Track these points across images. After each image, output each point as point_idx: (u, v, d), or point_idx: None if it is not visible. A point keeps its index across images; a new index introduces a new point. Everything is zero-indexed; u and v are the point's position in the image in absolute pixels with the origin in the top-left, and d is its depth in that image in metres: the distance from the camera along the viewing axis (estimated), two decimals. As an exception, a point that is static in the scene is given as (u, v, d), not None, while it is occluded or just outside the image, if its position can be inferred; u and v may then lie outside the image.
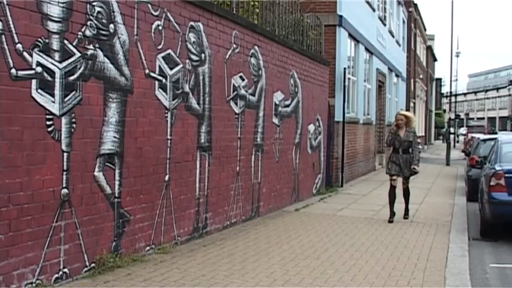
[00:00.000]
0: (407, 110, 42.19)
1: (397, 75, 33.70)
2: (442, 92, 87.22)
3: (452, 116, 58.90)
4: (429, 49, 66.02)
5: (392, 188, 12.72)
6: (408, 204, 13.03)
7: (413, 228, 11.45)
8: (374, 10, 25.21)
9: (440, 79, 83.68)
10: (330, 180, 18.07)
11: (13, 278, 6.01)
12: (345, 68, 18.86)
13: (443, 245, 9.88)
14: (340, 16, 18.74)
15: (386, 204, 14.89)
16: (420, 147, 13.82)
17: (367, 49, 23.59)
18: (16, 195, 6.01)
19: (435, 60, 77.27)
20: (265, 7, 12.92)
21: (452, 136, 54.51)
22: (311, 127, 15.99)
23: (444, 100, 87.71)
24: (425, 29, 60.61)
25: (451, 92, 56.81)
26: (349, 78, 20.14)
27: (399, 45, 35.17)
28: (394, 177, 12.64)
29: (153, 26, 8.25)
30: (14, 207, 5.99)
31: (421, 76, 55.32)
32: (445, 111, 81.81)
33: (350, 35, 20.29)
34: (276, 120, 13.08)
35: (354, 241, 9.95)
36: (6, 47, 5.84)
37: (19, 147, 6.04)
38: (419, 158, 12.69)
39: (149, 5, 8.13)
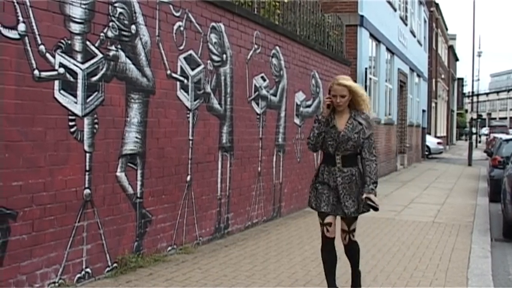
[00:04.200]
0: (428, 109, 41.72)
1: (418, 75, 33.55)
2: (464, 91, 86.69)
3: (474, 116, 58.59)
4: (451, 49, 65.67)
5: (328, 243, 6.48)
6: (358, 268, 6.87)
7: (435, 229, 11.38)
8: (395, 10, 25.12)
9: (462, 79, 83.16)
10: (351, 181, 17.94)
11: (36, 277, 6.04)
12: (366, 68, 18.82)
13: (466, 245, 9.82)
14: (362, 16, 18.70)
15: (408, 204, 14.87)
16: (376, 155, 6.43)
17: (388, 49, 23.51)
18: (39, 195, 6.05)
19: (457, 60, 76.83)
20: (287, 7, 12.90)
21: (474, 136, 54.19)
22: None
23: (466, 100, 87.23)
24: (446, 29, 60.28)
25: (473, 92, 56.62)
26: (370, 79, 20.10)
27: (420, 45, 35.02)
28: (328, 220, 6.33)
29: (175, 27, 8.26)
30: (37, 207, 6.03)
31: (442, 76, 55.03)
32: (466, 111, 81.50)
33: (371, 35, 20.24)
34: (297, 121, 13.06)
35: (376, 241, 9.91)
36: (29, 48, 5.87)
37: (42, 148, 6.07)
38: (376, 178, 6.24)
39: (171, 6, 8.14)
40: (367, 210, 6.35)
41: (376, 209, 6.26)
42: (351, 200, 6.29)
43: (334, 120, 6.31)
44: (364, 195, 6.19)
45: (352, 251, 6.76)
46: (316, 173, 6.54)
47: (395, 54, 25.12)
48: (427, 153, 38.24)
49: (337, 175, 6.29)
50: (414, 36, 31.82)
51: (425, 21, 37.97)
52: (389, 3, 23.80)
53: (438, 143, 40.70)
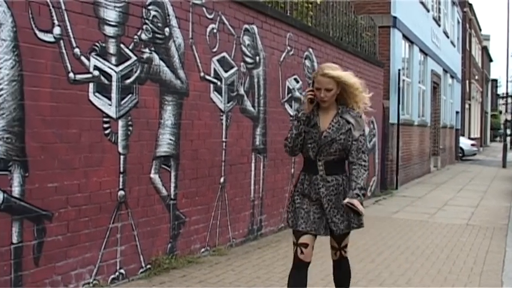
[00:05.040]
0: (462, 110, 41.42)
1: (452, 77, 33.30)
2: (498, 93, 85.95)
3: (509, 117, 57.96)
4: (484, 49, 65.11)
5: (301, 268, 5.25)
6: None
7: (469, 232, 11.28)
8: (428, 11, 24.96)
9: (496, 80, 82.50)
10: (384, 183, 17.93)
11: (71, 278, 6.10)
12: (399, 70, 18.72)
13: (500, 248, 9.73)
14: (395, 17, 18.60)
15: (441, 206, 14.77)
16: (366, 160, 5.18)
17: (421, 50, 23.37)
18: (74, 197, 6.10)
19: (491, 60, 76.15)
20: (319, 9, 12.88)
21: (508, 138, 53.69)
22: (366, 129, 15.86)
23: (500, 101, 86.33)
24: (480, 29, 59.80)
25: (507, 93, 56.00)
26: (403, 80, 19.99)
27: (454, 45, 34.75)
28: (303, 241, 5.18)
29: (208, 29, 8.29)
30: (72, 208, 6.08)
31: (476, 77, 54.60)
32: (501, 112, 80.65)
33: (404, 36, 20.12)
34: (330, 122, 12.99)
35: (409, 244, 9.86)
36: (64, 51, 5.93)
37: (77, 150, 6.12)
38: (364, 184, 5.11)
39: (204, 9, 8.17)
40: (358, 226, 5.25)
41: (358, 225, 5.23)
42: (338, 215, 5.18)
43: (317, 117, 5.20)
44: (346, 200, 4.96)
45: (343, 269, 5.68)
46: (294, 182, 5.42)
47: (429, 55, 24.96)
48: (460, 155, 37.96)
49: (320, 185, 5.15)
50: (447, 37, 31.59)
51: (458, 22, 37.69)
52: (422, 3, 23.65)
53: (472, 145, 40.37)
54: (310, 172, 5.23)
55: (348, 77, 5.16)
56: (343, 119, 5.18)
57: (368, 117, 15.74)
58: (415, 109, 22.56)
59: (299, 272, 5.27)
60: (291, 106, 10.86)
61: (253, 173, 9.59)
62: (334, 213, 5.18)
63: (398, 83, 18.57)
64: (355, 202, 4.96)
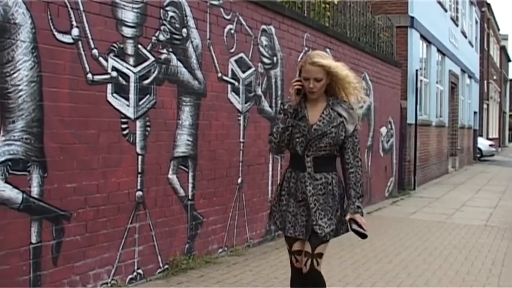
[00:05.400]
0: (480, 111, 41.22)
1: (469, 77, 33.16)
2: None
3: (528, 117, 57.67)
4: (503, 49, 64.78)
5: (299, 274, 4.89)
6: None
7: (488, 233, 11.23)
8: (446, 11, 24.88)
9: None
10: (402, 183, 17.88)
11: (89, 277, 6.12)
12: (417, 70, 18.66)
13: (519, 249, 9.70)
14: (412, 17, 18.55)
15: (459, 207, 14.71)
16: (361, 159, 4.83)
17: (439, 50, 23.30)
18: (92, 197, 6.13)
19: (509, 60, 75.70)
20: (336, 9, 12.87)
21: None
22: (383, 130, 15.86)
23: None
24: (498, 29, 59.50)
25: (526, 93, 55.68)
26: (421, 80, 19.93)
27: (472, 45, 34.60)
28: (297, 248, 4.85)
29: (226, 30, 8.30)
30: (90, 208, 6.11)
31: (494, 77, 54.34)
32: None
33: (422, 36, 20.07)
34: (347, 123, 12.97)
35: (427, 245, 9.82)
36: (82, 52, 5.96)
37: (95, 150, 6.15)
38: (362, 191, 4.79)
39: (221, 9, 8.18)
40: (345, 232, 4.83)
41: (364, 235, 4.69)
42: (326, 218, 4.67)
43: (305, 110, 4.75)
44: (348, 217, 4.67)
45: (315, 281, 4.84)
46: (280, 181, 4.98)
47: (446, 55, 24.88)
48: (478, 155, 37.81)
49: (307, 183, 4.70)
50: (465, 37, 31.46)
51: (476, 22, 37.53)
52: (440, 4, 23.58)
53: (490, 145, 40.21)
54: (297, 169, 4.78)
55: (340, 68, 4.71)
56: (335, 111, 4.72)
57: (385, 117, 15.72)
58: (433, 109, 22.50)
59: (299, 279, 4.93)
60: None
61: (270, 173, 9.59)
62: (321, 216, 4.68)
63: (416, 83, 18.52)
64: (358, 218, 4.64)
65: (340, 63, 4.79)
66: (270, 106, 9.50)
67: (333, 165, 4.81)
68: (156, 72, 6.97)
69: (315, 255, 4.76)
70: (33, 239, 5.48)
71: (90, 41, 6.05)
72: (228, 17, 8.34)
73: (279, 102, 9.72)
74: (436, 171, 22.86)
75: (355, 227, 4.63)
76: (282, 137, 4.74)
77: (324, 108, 4.74)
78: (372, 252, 9.09)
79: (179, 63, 7.38)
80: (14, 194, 5.26)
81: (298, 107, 4.73)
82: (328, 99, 4.78)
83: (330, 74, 4.68)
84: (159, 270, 7.15)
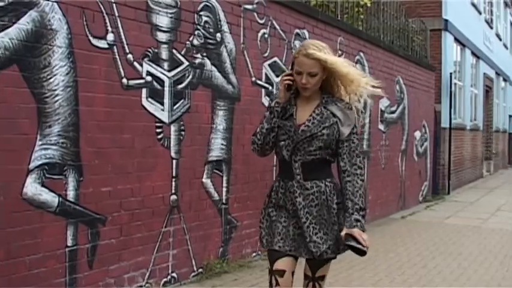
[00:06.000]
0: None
1: (505, 80, 32.85)
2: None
3: None
4: (538, 52, 64.05)
5: None
6: None
7: (524, 237, 11.14)
8: (480, 13, 24.68)
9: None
10: (436, 188, 17.77)
11: (124, 281, 6.16)
12: (451, 73, 18.54)
13: (556, 254, 9.59)
14: (446, 20, 18.43)
15: (494, 212, 14.58)
16: (361, 166, 4.04)
17: (473, 53, 23.11)
18: (127, 201, 6.17)
19: (545, 63, 74.88)
20: (370, 13, 12.83)
21: None
22: (417, 134, 15.78)
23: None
24: (534, 32, 58.83)
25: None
26: (455, 84, 19.79)
27: (506, 48, 34.27)
28: (280, 266, 4.05)
29: (259, 34, 8.31)
30: (125, 212, 6.15)
31: (530, 80, 53.72)
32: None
33: (456, 39, 19.92)
34: (382, 127, 12.96)
35: (462, 250, 9.74)
36: (117, 57, 6.00)
37: (130, 154, 6.19)
38: (363, 202, 3.98)
39: (255, 14, 8.20)
40: (355, 250, 3.90)
41: (362, 252, 3.86)
42: (321, 233, 3.98)
43: (294, 108, 4.08)
44: (344, 232, 3.89)
45: None
46: (269, 191, 4.28)
47: (481, 58, 24.67)
48: (514, 159, 37.42)
49: (296, 193, 4.01)
50: (500, 39, 31.16)
51: (511, 24, 37.16)
52: (474, 6, 23.40)
53: (525, 149, 39.75)
54: (285, 177, 4.10)
55: (339, 64, 3.99)
56: (327, 110, 4.03)
57: (420, 121, 15.64)
58: (467, 113, 22.33)
59: None
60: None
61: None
62: (315, 230, 3.98)
63: (450, 87, 18.40)
64: (356, 233, 3.85)
65: (342, 58, 4.15)
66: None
67: (326, 171, 4.08)
68: (190, 77, 7.01)
69: (316, 279, 4.20)
70: (69, 242, 5.53)
71: (125, 46, 6.10)
72: (262, 21, 8.35)
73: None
74: (470, 176, 22.66)
75: (351, 242, 3.84)
76: (266, 139, 4.10)
77: (316, 107, 4.05)
78: (406, 256, 9.04)
79: (213, 68, 7.41)
80: (50, 198, 5.32)
81: (287, 104, 4.07)
82: (322, 97, 4.09)
83: (326, 70, 3.97)
84: (193, 274, 7.17)
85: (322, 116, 4.00)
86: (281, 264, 4.03)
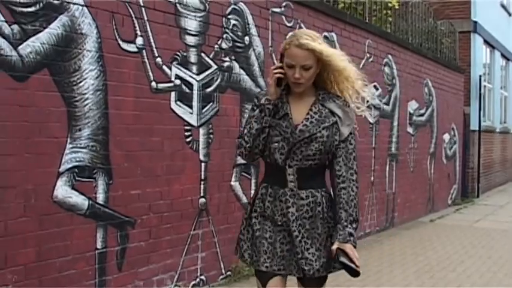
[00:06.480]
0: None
1: (535, 82, 32.54)
2: None
3: None
4: None
5: None
6: None
7: (555, 241, 11.03)
8: (510, 14, 24.47)
9: None
10: (465, 191, 17.65)
11: (153, 283, 6.19)
12: (480, 76, 18.41)
13: None
14: (475, 22, 18.30)
15: (525, 215, 14.45)
16: (357, 171, 3.64)
17: (503, 55, 22.92)
18: (156, 204, 6.20)
19: None
20: (398, 15, 12.79)
21: None
22: (446, 136, 15.69)
23: None
24: None
25: None
26: (484, 86, 19.64)
27: (537, 50, 33.94)
28: (272, 286, 3.57)
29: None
30: (154, 215, 6.18)
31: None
32: None
33: (485, 41, 19.77)
34: (410, 130, 12.91)
35: (491, 253, 9.67)
36: (146, 61, 6.04)
37: (159, 157, 6.22)
38: (357, 214, 3.56)
39: (283, 17, 8.20)
40: (339, 268, 3.57)
41: (355, 273, 3.46)
42: (313, 248, 3.54)
43: (287, 105, 3.60)
44: (335, 246, 3.47)
45: None
46: (252, 199, 3.80)
47: (511, 60, 24.47)
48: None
49: (289, 203, 3.54)
50: (530, 41, 30.90)
51: (542, 26, 36.82)
52: (504, 7, 23.22)
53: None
54: (275, 184, 3.62)
55: (336, 57, 3.58)
56: (326, 108, 3.59)
57: (448, 124, 15.55)
58: (497, 115, 22.15)
59: None
60: (370, 114, 10.79)
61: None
62: (307, 246, 3.53)
63: (480, 89, 18.27)
64: (349, 249, 3.46)
65: (338, 50, 3.73)
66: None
67: (322, 180, 3.65)
68: (218, 80, 7.03)
69: None
70: (99, 245, 5.57)
71: (154, 49, 6.13)
72: (290, 25, 8.35)
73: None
74: (500, 179, 22.47)
75: (344, 259, 3.44)
76: (256, 141, 3.58)
77: (312, 104, 3.60)
78: (435, 260, 8.99)
79: (241, 71, 7.42)
80: (80, 200, 5.36)
81: (278, 102, 3.57)
82: (317, 93, 3.65)
83: (321, 62, 3.54)
84: (221, 277, 7.19)
85: (320, 115, 3.56)
86: (273, 284, 3.59)
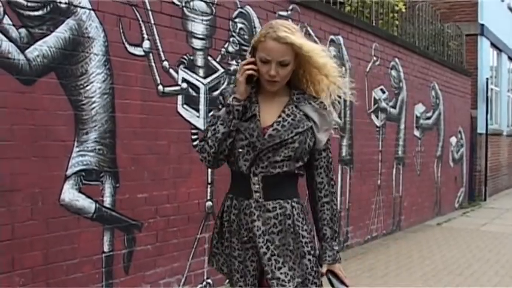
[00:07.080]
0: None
1: (542, 85, 32.47)
2: None
3: None
4: None
5: None
6: None
7: (562, 244, 11.00)
8: (517, 17, 24.44)
9: None
10: (472, 194, 17.61)
11: (159, 286, 6.19)
12: (487, 79, 18.38)
13: None
14: (482, 25, 18.27)
15: (532, 218, 14.41)
16: (335, 182, 3.32)
17: (510, 58, 22.88)
18: (163, 207, 6.20)
19: None
20: (405, 18, 12.79)
21: None
22: (453, 139, 15.66)
23: None
24: None
25: None
26: (491, 89, 19.61)
27: (544, 53, 33.87)
28: None
29: (294, 41, 8.29)
30: (161, 218, 6.18)
31: None
32: None
33: (492, 44, 19.73)
34: (417, 133, 12.89)
35: (499, 257, 9.64)
36: (153, 64, 6.05)
37: (166, 161, 6.23)
38: (338, 228, 3.32)
39: (290, 20, 8.18)
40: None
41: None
42: (285, 267, 3.12)
43: (257, 106, 3.21)
44: (325, 268, 3.24)
45: None
46: (219, 212, 3.42)
47: (518, 63, 24.45)
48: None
49: (254, 217, 3.16)
50: (538, 44, 30.82)
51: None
52: (511, 10, 23.17)
53: None
54: (239, 195, 3.23)
55: (317, 52, 3.17)
56: (301, 111, 3.21)
57: (455, 127, 15.52)
58: (504, 119, 22.11)
59: None
60: (377, 117, 10.79)
61: (339, 184, 9.56)
62: (278, 265, 3.13)
63: (487, 92, 18.24)
64: (337, 269, 3.26)
65: (318, 44, 3.31)
66: (339, 116, 9.46)
67: (292, 189, 3.25)
68: (225, 84, 7.03)
69: None
70: (106, 248, 5.58)
71: (161, 53, 6.14)
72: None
73: (348, 112, 9.70)
74: (507, 182, 22.41)
75: (333, 280, 3.24)
76: (222, 146, 3.17)
77: (285, 106, 3.21)
78: (442, 264, 8.97)
79: (248, 75, 7.41)
80: (87, 204, 5.37)
81: (246, 102, 3.18)
82: (291, 93, 3.26)
83: (299, 57, 3.15)
84: (227, 280, 7.17)
85: (294, 118, 3.17)
86: None
